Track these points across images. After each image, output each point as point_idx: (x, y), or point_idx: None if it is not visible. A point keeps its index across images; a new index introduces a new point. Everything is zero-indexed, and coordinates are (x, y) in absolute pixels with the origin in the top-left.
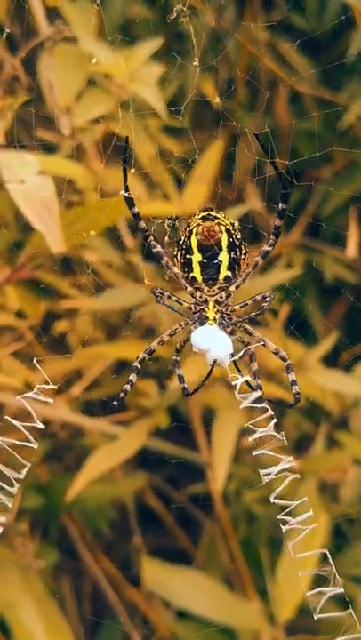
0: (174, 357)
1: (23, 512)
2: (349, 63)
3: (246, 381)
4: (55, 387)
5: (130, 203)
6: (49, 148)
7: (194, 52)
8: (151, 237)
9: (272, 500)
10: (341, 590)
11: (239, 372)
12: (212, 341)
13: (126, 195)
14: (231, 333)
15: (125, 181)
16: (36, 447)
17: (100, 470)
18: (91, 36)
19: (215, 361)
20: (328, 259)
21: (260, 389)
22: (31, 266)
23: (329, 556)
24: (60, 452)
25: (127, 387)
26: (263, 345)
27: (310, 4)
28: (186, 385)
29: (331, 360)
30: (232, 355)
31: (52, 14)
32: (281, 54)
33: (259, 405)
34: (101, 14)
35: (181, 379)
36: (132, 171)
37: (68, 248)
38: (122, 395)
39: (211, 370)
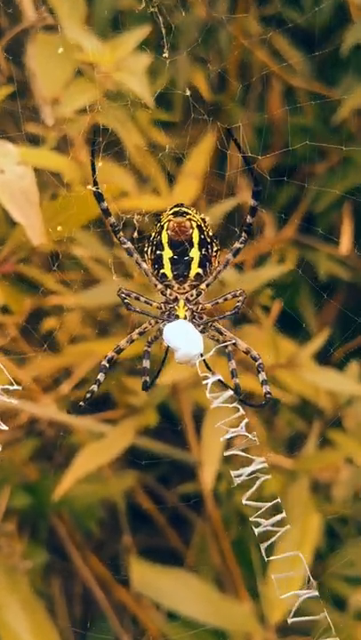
0: (145, 348)
1: (11, 512)
2: (344, 57)
3: (219, 380)
4: (19, 387)
5: (99, 198)
6: (35, 141)
7: (165, 42)
8: (120, 233)
9: (244, 502)
10: (316, 593)
11: (210, 370)
12: (184, 338)
13: (94, 189)
14: (202, 332)
15: (94, 175)
16: None
17: (88, 469)
18: (77, 24)
19: (173, 352)
20: (322, 255)
21: (239, 389)
22: (14, 260)
23: (303, 558)
24: (48, 451)
25: (94, 387)
26: (234, 344)
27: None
28: (147, 379)
29: (323, 357)
30: (202, 354)
31: (40, 1)
32: (275, 48)
33: (230, 405)
34: (89, 3)
35: (146, 371)
36: (116, 164)
37: (53, 242)
38: (88, 395)
39: (163, 359)
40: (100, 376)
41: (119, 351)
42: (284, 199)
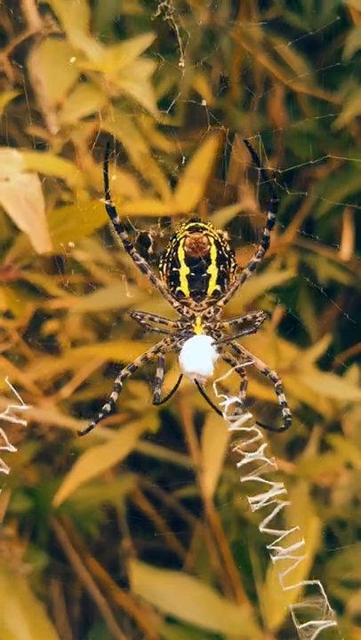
0: (160, 356)
1: (11, 515)
2: (345, 62)
3: (237, 402)
4: (28, 407)
5: (111, 212)
6: (40, 145)
7: (181, 51)
8: (133, 249)
9: (261, 529)
10: (334, 623)
11: (226, 392)
12: (198, 356)
13: (107, 203)
14: (219, 350)
15: (106, 188)
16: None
17: (89, 474)
18: (81, 31)
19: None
20: (322, 260)
21: (244, 405)
22: (18, 266)
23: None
24: (49, 454)
25: (107, 406)
26: (252, 364)
27: (306, 3)
28: (159, 392)
29: (325, 362)
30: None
31: (45, 8)
32: (276, 53)
33: (248, 429)
34: (93, 11)
35: (158, 383)
36: (117, 169)
37: (57, 248)
38: (100, 415)
39: (178, 381)
40: (114, 395)
41: (133, 369)
42: (285, 204)
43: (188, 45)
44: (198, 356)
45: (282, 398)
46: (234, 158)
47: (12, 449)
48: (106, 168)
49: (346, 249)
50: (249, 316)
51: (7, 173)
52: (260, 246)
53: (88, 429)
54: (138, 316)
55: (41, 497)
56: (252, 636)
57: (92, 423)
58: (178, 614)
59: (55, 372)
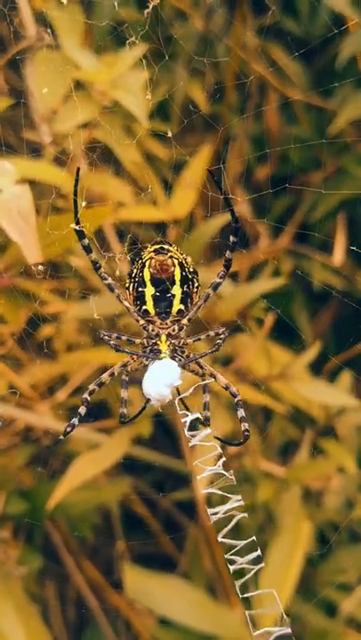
0: (123, 377)
1: (6, 518)
2: (340, 68)
3: (197, 418)
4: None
5: (80, 235)
6: (37, 151)
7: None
8: (101, 269)
9: (219, 539)
10: (289, 630)
11: (187, 409)
12: (158, 385)
13: (76, 228)
14: (182, 367)
15: (76, 214)
16: None
17: (82, 478)
18: (76, 41)
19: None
20: (316, 264)
21: (208, 421)
22: (10, 274)
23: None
24: (44, 457)
25: (75, 420)
26: (214, 379)
27: (302, 10)
28: (126, 411)
29: (317, 367)
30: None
31: (42, 17)
32: (272, 59)
33: (208, 443)
34: (89, 19)
35: (124, 403)
36: (113, 175)
37: (50, 255)
38: (68, 430)
39: (145, 406)
40: (82, 409)
41: (100, 384)
42: (279, 209)
43: (183, 52)
44: (159, 382)
45: (241, 413)
46: (230, 163)
47: None
48: (75, 194)
49: (338, 254)
50: (212, 333)
51: (0, 185)
52: (223, 267)
53: (55, 443)
54: (106, 337)
55: (36, 500)
56: (244, 639)
57: (61, 437)
58: (171, 617)
59: (50, 376)
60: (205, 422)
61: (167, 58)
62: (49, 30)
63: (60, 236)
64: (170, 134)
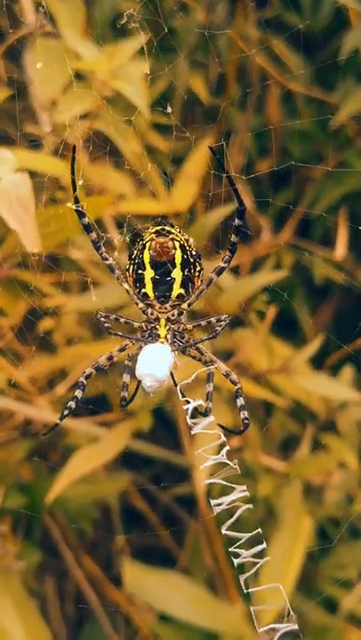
0: (126, 362)
1: (5, 512)
2: (343, 62)
3: (198, 407)
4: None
5: (80, 214)
6: (35, 142)
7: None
8: (102, 249)
9: (223, 531)
10: (295, 627)
11: (183, 396)
12: (153, 365)
13: (74, 207)
14: (182, 352)
15: (74, 192)
16: None
17: (82, 472)
18: (76, 31)
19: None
20: (318, 259)
21: (209, 411)
22: (9, 265)
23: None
24: (44, 451)
25: (72, 403)
26: (215, 367)
27: (304, 3)
28: (126, 395)
29: (319, 361)
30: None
31: (42, 6)
32: (274, 52)
33: (211, 432)
34: (90, 8)
35: (125, 386)
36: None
37: (48, 246)
38: (66, 412)
39: (138, 386)
40: (78, 393)
41: (98, 368)
42: (281, 203)
43: (185, 45)
44: (153, 362)
45: (240, 401)
46: (232, 155)
47: None
48: (73, 173)
49: (340, 249)
50: (213, 319)
51: None
52: (228, 252)
53: (51, 429)
54: (102, 319)
55: (35, 494)
56: (245, 635)
57: (57, 421)
58: (171, 612)
59: (50, 369)
60: (207, 413)
61: (168, 49)
62: (48, 17)
63: (59, 226)
64: (170, 111)
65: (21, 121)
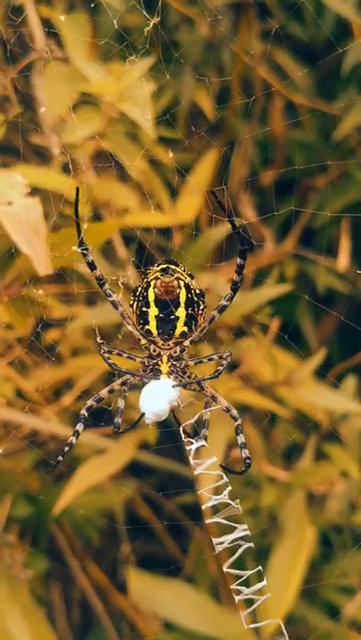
0: (122, 388)
1: (12, 520)
2: (345, 74)
3: (202, 445)
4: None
5: (84, 255)
6: (44, 157)
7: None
8: (106, 286)
9: (225, 569)
10: None
11: (188, 435)
12: (155, 404)
13: (80, 250)
14: (183, 387)
15: (79, 235)
16: None
17: (88, 483)
18: (83, 52)
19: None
20: (321, 269)
21: (206, 439)
22: (19, 284)
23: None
24: (50, 461)
25: (73, 439)
26: (215, 401)
27: (307, 15)
28: (120, 421)
29: (322, 372)
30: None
31: (49, 25)
32: (277, 63)
33: (213, 473)
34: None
35: (119, 412)
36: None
37: (58, 264)
38: (67, 449)
39: (140, 417)
40: (79, 426)
41: (99, 400)
42: (284, 214)
43: (189, 58)
44: (156, 400)
45: (241, 439)
46: (236, 168)
47: None
48: (77, 216)
49: (343, 259)
50: (215, 357)
51: (10, 197)
52: (230, 291)
53: (56, 464)
54: (105, 354)
55: (42, 503)
56: None
57: (60, 458)
58: (175, 620)
59: (56, 380)
60: (204, 438)
61: (173, 64)
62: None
63: (68, 247)
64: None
65: (31, 137)
